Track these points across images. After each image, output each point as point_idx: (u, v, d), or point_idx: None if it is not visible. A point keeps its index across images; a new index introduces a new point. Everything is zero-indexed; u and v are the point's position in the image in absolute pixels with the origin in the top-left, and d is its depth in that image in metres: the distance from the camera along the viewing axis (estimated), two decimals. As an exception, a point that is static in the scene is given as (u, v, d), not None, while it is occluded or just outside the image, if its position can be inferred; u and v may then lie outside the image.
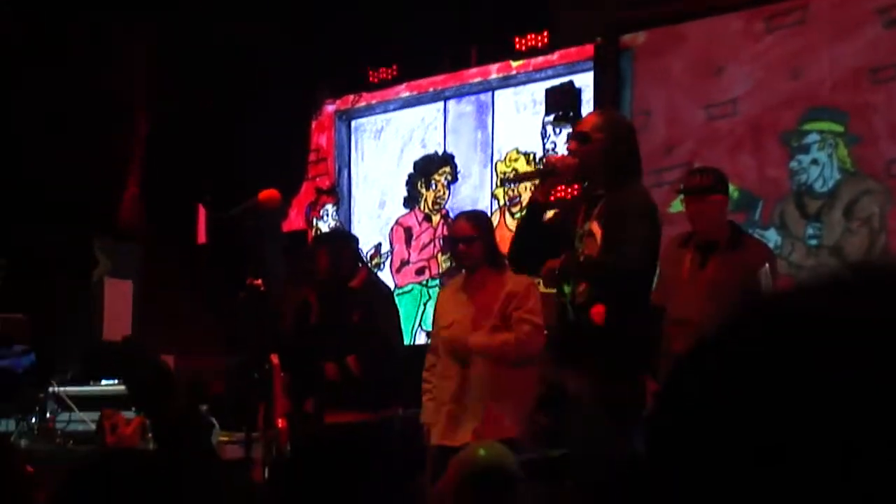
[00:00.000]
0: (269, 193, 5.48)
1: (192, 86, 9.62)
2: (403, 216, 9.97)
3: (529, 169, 9.03)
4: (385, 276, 9.49)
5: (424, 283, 9.74)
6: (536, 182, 5.52)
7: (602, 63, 8.50)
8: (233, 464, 5.90)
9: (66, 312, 9.08)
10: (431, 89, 9.74)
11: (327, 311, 6.41)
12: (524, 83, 9.29)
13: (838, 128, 7.49)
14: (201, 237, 9.68)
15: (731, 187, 6.17)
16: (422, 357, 6.10)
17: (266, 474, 5.58)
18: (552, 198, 5.60)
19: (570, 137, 5.57)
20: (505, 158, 9.41)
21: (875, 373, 0.69)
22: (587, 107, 8.34)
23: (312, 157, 10.33)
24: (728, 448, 0.71)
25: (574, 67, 8.85)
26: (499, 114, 9.49)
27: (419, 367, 6.04)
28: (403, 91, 9.87)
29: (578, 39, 8.71)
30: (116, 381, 7.64)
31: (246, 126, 9.84)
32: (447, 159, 9.75)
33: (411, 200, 9.92)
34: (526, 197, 8.24)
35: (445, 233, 9.32)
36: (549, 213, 5.32)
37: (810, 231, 7.56)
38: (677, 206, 5.88)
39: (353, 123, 10.32)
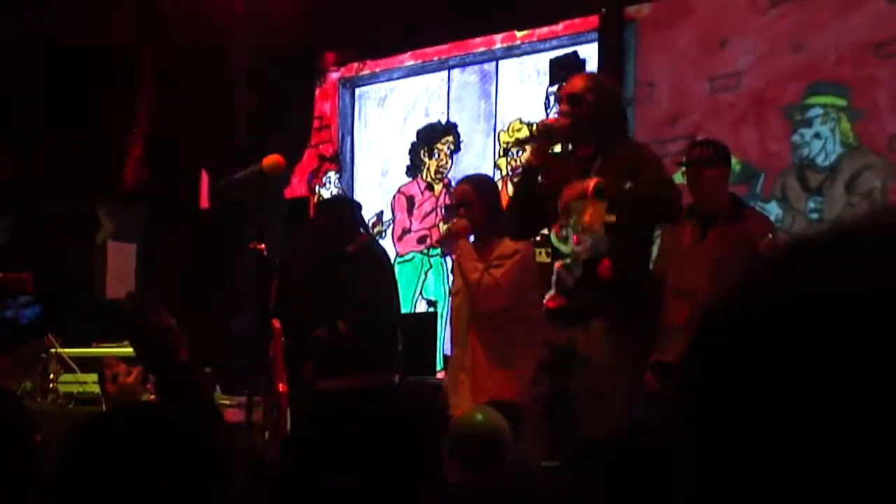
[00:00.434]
0: (272, 159, 5.49)
1: (196, 52, 9.61)
2: (406, 185, 9.97)
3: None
4: (387, 244, 9.51)
5: (426, 251, 9.76)
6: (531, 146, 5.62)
7: (606, 34, 8.49)
8: (234, 426, 5.93)
9: (70, 274, 9.09)
10: (436, 58, 9.72)
11: (322, 276, 6.43)
12: (528, 53, 9.28)
13: (841, 102, 7.50)
14: (204, 202, 9.69)
15: (734, 160, 6.19)
16: (422, 325, 6.13)
17: (267, 437, 5.61)
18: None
19: (559, 100, 5.66)
20: (508, 128, 9.40)
21: (874, 346, 0.68)
22: (591, 78, 8.33)
23: (316, 124, 10.32)
24: (735, 438, 0.71)
25: (578, 38, 8.84)
26: (502, 84, 9.48)
27: (420, 336, 6.07)
28: (408, 59, 9.85)
29: (583, 10, 8.70)
30: (118, 344, 7.67)
31: (249, 92, 9.84)
32: (450, 128, 9.74)
33: (414, 169, 9.91)
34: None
35: (448, 202, 9.33)
36: (541, 178, 5.43)
37: (811, 205, 7.57)
38: (678, 178, 5.91)
39: (357, 91, 10.31)
